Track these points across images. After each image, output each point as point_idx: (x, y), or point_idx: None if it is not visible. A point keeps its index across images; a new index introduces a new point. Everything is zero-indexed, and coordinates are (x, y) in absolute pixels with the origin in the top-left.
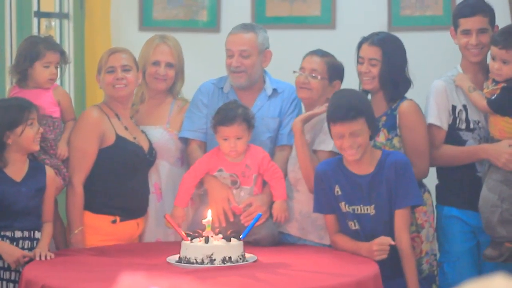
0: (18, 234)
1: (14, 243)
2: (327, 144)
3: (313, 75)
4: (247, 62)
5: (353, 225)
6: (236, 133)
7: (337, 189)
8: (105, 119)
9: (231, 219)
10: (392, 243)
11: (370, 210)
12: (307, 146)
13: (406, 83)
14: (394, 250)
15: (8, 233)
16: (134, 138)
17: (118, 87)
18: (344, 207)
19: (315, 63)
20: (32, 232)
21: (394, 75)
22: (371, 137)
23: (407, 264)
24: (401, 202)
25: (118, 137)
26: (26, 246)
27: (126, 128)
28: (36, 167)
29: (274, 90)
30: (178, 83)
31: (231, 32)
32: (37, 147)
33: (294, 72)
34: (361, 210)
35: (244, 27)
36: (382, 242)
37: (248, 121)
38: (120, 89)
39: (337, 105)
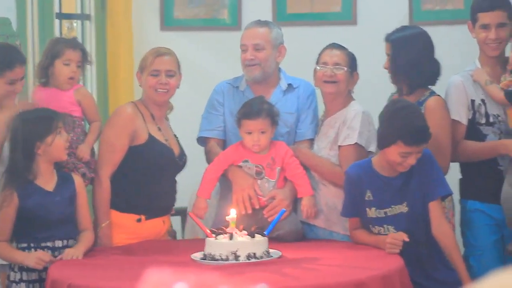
0: (58, 243)
1: (56, 253)
2: (351, 138)
3: (338, 67)
4: (261, 55)
5: (378, 231)
6: (261, 127)
7: (368, 194)
8: (139, 117)
9: (257, 207)
10: (406, 239)
11: (403, 208)
12: (312, 156)
13: (420, 77)
14: (428, 244)
15: (49, 244)
16: (166, 140)
17: (160, 92)
18: (372, 212)
19: (336, 56)
20: (70, 241)
21: (400, 70)
22: None
23: (453, 252)
24: (433, 193)
25: (150, 137)
26: None
27: (159, 129)
28: (64, 176)
29: (289, 85)
30: None
31: (245, 28)
32: (65, 156)
33: (319, 68)
34: (394, 211)
35: (258, 23)
36: (395, 236)
37: (272, 117)
38: (161, 94)
39: (415, 125)
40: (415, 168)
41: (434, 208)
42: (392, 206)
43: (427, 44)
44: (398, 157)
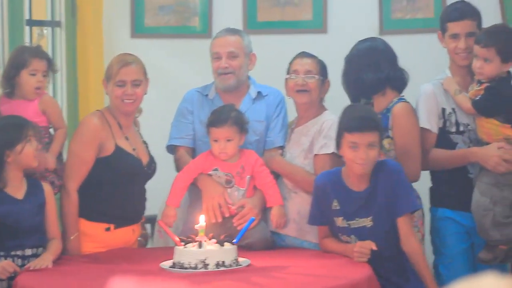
0: (28, 252)
1: (25, 261)
2: (328, 147)
3: (310, 75)
4: (235, 64)
5: (347, 240)
6: (226, 135)
7: (335, 203)
8: (106, 127)
9: (226, 215)
10: (374, 248)
11: (367, 222)
12: (287, 165)
13: (358, 90)
14: (399, 256)
15: (19, 252)
16: (134, 149)
17: (127, 102)
18: (340, 222)
19: (308, 64)
20: (39, 250)
21: (348, 78)
22: None
23: (422, 266)
24: (401, 209)
25: (117, 148)
26: None
27: (126, 139)
28: (33, 183)
29: (259, 93)
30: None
31: (216, 36)
32: (36, 163)
33: (290, 78)
34: (358, 223)
35: (229, 31)
36: (363, 245)
37: (240, 125)
38: (128, 105)
39: (356, 115)
40: (381, 183)
41: (402, 224)
42: (357, 219)
43: (377, 58)
44: (349, 152)
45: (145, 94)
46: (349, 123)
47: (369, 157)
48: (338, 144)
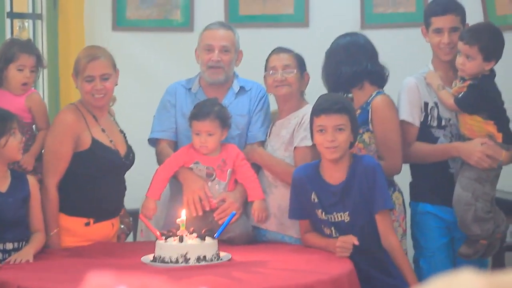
0: (9, 246)
1: (6, 255)
2: (308, 139)
3: (288, 70)
4: (226, 58)
5: (330, 232)
6: (208, 129)
7: (313, 196)
8: (81, 121)
9: (207, 208)
10: (356, 243)
11: (345, 217)
12: (268, 156)
13: (336, 84)
14: (380, 251)
15: (0, 246)
16: (111, 141)
17: (97, 97)
18: (320, 214)
19: (285, 59)
20: (21, 243)
21: (327, 71)
22: (351, 145)
23: (401, 260)
24: (377, 206)
25: (94, 141)
26: None
27: (103, 130)
28: (18, 176)
29: (241, 87)
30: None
31: (209, 28)
32: (20, 156)
33: (269, 74)
34: (335, 218)
35: (222, 25)
36: (345, 240)
37: (222, 119)
38: (99, 99)
39: (323, 99)
40: (357, 178)
41: (380, 220)
42: (335, 213)
43: (356, 52)
44: (318, 137)
45: (116, 85)
46: (315, 107)
47: (338, 140)
48: (312, 134)
